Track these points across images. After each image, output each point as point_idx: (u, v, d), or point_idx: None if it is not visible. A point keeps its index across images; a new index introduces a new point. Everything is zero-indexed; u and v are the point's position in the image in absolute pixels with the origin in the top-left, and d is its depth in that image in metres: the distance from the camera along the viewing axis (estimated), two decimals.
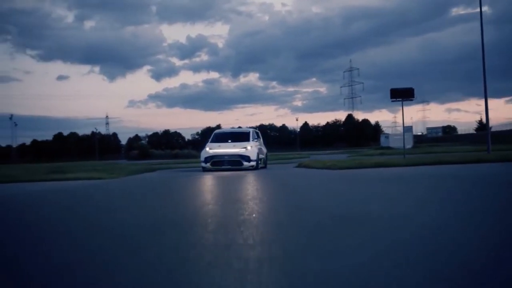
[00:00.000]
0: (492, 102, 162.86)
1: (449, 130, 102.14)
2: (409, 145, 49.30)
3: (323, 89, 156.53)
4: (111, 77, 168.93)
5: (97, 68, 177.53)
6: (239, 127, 25.23)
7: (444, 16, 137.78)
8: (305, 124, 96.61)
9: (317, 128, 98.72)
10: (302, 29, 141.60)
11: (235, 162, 14.18)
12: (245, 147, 14.49)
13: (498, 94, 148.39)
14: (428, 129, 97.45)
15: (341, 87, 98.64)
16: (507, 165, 11.18)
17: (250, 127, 18.50)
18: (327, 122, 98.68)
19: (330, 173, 10.40)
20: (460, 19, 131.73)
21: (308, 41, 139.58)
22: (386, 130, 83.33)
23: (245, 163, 14.09)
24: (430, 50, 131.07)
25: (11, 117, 71.24)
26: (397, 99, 16.23)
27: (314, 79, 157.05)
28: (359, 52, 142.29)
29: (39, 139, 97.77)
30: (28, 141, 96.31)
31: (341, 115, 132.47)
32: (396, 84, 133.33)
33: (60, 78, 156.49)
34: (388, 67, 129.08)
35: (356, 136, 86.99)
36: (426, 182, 7.19)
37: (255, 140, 15.46)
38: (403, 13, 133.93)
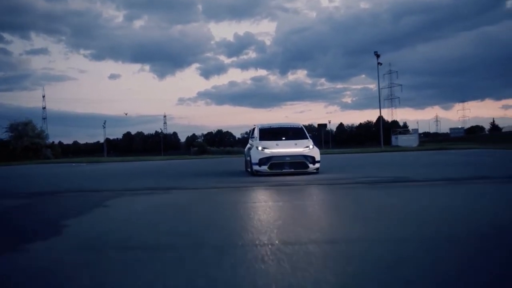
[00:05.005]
0: None
1: (476, 130, 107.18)
2: (414, 144, 59.69)
3: (372, 86, 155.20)
4: (161, 75, 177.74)
5: (147, 67, 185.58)
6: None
7: (499, 9, 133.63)
8: (341, 124, 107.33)
9: (351, 128, 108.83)
10: (350, 25, 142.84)
11: (299, 165, 12.19)
12: (307, 146, 12.51)
13: None
14: (451, 129, 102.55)
15: (381, 88, 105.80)
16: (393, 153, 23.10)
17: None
18: (360, 123, 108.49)
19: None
20: None
21: (357, 37, 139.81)
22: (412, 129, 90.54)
23: (311, 166, 12.17)
24: (484, 44, 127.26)
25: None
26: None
27: (363, 75, 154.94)
28: (409, 48, 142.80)
29: (94, 136, 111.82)
30: (100, 139, 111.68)
31: (385, 113, 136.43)
32: (448, 80, 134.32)
33: (112, 76, 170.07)
34: (441, 63, 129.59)
35: (384, 136, 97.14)
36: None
37: (310, 137, 13.41)
38: (455, 7, 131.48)
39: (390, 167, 15.28)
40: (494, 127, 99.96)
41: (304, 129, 13.84)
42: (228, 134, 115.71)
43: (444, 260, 3.04)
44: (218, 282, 2.68)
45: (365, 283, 2.59)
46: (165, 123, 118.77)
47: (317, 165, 12.35)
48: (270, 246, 3.50)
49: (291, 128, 14.04)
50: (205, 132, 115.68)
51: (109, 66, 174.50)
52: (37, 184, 13.06)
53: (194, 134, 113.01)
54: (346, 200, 6.78)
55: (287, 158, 12.19)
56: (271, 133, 13.44)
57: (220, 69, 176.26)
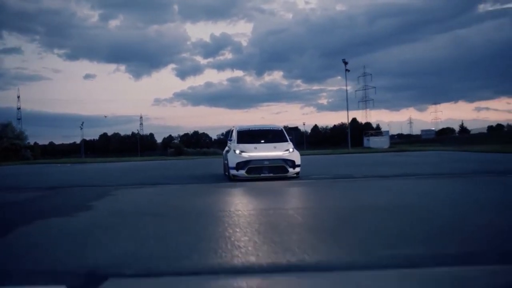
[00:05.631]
0: None
1: (447, 132, 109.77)
2: (385, 145, 62.63)
3: (348, 87, 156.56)
4: (137, 75, 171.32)
5: (122, 67, 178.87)
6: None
7: (471, 13, 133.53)
8: (315, 126, 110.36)
9: (325, 129, 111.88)
10: (326, 27, 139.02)
11: (278, 169, 11.78)
12: (287, 149, 12.10)
13: None
14: (422, 131, 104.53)
15: (355, 91, 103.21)
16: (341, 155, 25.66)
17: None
18: (334, 125, 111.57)
19: None
20: (488, 16, 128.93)
21: (333, 39, 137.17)
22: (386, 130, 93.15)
23: (290, 170, 11.77)
24: (458, 47, 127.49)
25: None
26: None
27: (339, 77, 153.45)
28: (385, 50, 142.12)
29: (69, 137, 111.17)
30: (77, 140, 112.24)
31: (359, 115, 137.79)
32: (422, 82, 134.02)
33: (87, 76, 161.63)
34: (415, 65, 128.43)
35: (357, 137, 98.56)
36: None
37: (291, 139, 13.01)
38: (429, 10, 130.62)
39: (345, 166, 17.70)
40: (463, 129, 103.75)
41: (284, 131, 13.43)
42: (204, 136, 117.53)
43: (358, 217, 5.35)
44: (196, 231, 4.91)
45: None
46: (141, 124, 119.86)
47: (298, 169, 11.97)
48: (231, 212, 5.76)
49: (270, 131, 13.63)
50: (181, 133, 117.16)
51: (84, 66, 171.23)
52: (40, 181, 14.94)
53: (170, 135, 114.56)
54: (291, 188, 9.11)
55: (266, 162, 11.79)
56: (249, 136, 12.95)
57: (196, 70, 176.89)
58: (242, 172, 11.62)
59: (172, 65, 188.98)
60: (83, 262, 3.30)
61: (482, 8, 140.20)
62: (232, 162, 11.92)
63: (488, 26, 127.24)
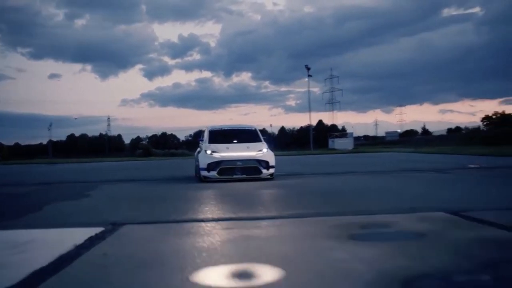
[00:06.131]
0: (485, 103, 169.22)
1: (411, 134, 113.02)
2: (349, 147, 65.53)
3: (316, 89, 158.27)
4: (104, 75, 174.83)
5: (89, 67, 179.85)
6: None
7: (436, 17, 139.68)
8: (282, 128, 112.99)
9: (292, 131, 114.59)
10: (294, 28, 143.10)
11: (252, 170, 11.59)
12: (261, 150, 11.93)
13: (492, 95, 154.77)
14: (387, 133, 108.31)
15: (322, 93, 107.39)
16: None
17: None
18: (301, 126, 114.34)
19: None
20: (452, 20, 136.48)
21: (301, 41, 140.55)
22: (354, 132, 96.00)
23: (264, 171, 11.61)
24: (423, 50, 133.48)
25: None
26: None
27: (307, 79, 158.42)
28: (352, 52, 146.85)
29: (36, 137, 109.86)
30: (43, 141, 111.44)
31: (326, 116, 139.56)
32: (389, 84, 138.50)
33: (52, 76, 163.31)
34: (382, 67, 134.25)
35: (322, 139, 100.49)
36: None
37: (265, 139, 12.81)
38: (396, 13, 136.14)
39: (300, 166, 19.99)
40: (425, 131, 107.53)
41: (258, 131, 13.28)
42: (173, 137, 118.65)
43: (293, 196, 7.49)
44: (173, 206, 6.97)
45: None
46: (108, 124, 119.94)
47: (272, 170, 11.81)
48: (198, 195, 7.84)
49: (244, 130, 13.46)
50: (149, 134, 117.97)
51: (49, 65, 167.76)
52: (29, 178, 16.62)
53: (138, 136, 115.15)
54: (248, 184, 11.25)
55: (239, 163, 11.57)
56: (222, 136, 12.69)
57: (164, 70, 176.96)
58: (214, 173, 11.39)
59: (139, 66, 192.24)
60: (106, 220, 5.30)
61: (446, 12, 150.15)
62: (202, 163, 11.64)
63: (452, 30, 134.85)
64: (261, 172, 11.61)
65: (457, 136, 68.22)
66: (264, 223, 5.04)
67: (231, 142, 12.33)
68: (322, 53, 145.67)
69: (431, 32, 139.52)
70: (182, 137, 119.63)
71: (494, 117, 78.52)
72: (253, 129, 13.52)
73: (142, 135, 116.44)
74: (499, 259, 3.21)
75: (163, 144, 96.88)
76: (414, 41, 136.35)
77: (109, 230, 4.60)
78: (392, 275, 2.80)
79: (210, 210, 6.21)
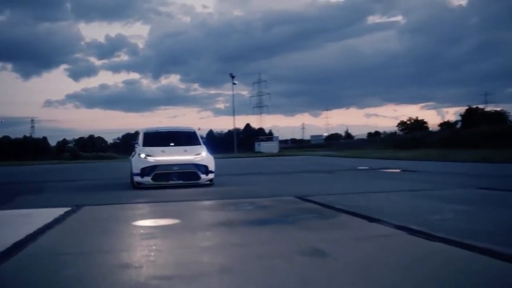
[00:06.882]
0: (408, 108, 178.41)
1: (336, 138, 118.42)
2: (275, 150, 69.20)
3: (245, 92, 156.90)
4: (26, 75, 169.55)
5: (9, 66, 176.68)
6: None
7: (361, 24, 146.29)
8: (210, 131, 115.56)
9: (220, 134, 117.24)
10: (223, 31, 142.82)
11: (189, 175, 10.96)
12: (199, 153, 11.28)
13: (414, 100, 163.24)
14: (312, 136, 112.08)
15: (250, 97, 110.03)
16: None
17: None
18: (229, 130, 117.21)
19: None
20: (376, 27, 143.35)
21: (230, 44, 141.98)
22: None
23: (203, 176, 11.02)
24: (349, 56, 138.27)
25: None
26: None
27: (236, 82, 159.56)
28: (280, 56, 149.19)
29: None
30: None
31: (254, 120, 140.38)
32: (317, 88, 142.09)
33: None
34: (310, 71, 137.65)
35: (250, 142, 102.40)
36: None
37: (204, 142, 12.29)
38: (323, 19, 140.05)
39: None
40: (348, 135, 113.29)
41: (197, 133, 12.71)
42: (100, 139, 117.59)
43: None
44: (115, 195, 9.62)
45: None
46: (32, 126, 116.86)
47: (211, 175, 11.27)
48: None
49: (181, 133, 12.78)
50: (76, 137, 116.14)
51: None
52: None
53: (65, 139, 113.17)
54: None
55: (175, 168, 10.92)
56: (157, 138, 12.01)
57: (91, 71, 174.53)
58: (148, 178, 10.77)
59: (64, 66, 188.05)
60: (70, 204, 7.85)
61: (371, 20, 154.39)
62: (136, 167, 10.98)
63: (377, 37, 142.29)
64: (199, 178, 11.07)
65: (376, 140, 73.61)
66: (176, 203, 7.89)
67: (167, 145, 11.71)
68: (251, 57, 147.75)
69: (357, 38, 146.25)
70: (110, 139, 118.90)
71: (408, 122, 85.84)
72: (191, 131, 12.88)
73: (69, 138, 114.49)
74: (300, 213, 6.26)
75: (90, 147, 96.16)
76: (340, 47, 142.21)
77: (76, 208, 7.24)
78: (238, 220, 5.78)
79: (141, 195, 8.95)
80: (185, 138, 12.32)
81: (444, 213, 5.89)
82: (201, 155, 11.35)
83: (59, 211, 6.82)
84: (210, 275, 3.33)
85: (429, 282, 3.00)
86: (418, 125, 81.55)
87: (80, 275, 3.38)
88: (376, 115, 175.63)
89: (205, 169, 11.18)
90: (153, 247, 4.27)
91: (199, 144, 11.98)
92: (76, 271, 3.48)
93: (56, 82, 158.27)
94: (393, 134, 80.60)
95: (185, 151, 11.39)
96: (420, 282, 3.02)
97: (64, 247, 4.47)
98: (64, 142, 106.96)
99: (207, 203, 8.01)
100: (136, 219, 6.01)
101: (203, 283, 3.14)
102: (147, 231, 5.25)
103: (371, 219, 5.41)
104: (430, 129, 70.93)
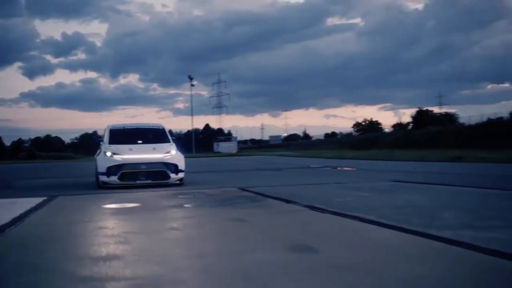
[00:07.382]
0: (366, 109, 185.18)
1: (295, 138, 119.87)
2: (234, 150, 70.57)
3: (205, 92, 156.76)
4: None
5: None
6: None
7: (320, 26, 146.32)
8: (169, 131, 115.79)
9: (179, 134, 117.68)
10: (183, 31, 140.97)
11: (158, 174, 10.60)
12: (169, 152, 10.90)
13: (372, 102, 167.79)
14: (271, 137, 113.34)
15: (210, 97, 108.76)
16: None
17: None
18: (188, 130, 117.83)
19: None
20: (335, 29, 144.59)
21: (190, 44, 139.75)
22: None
23: (172, 176, 10.66)
24: (309, 57, 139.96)
25: None
26: None
27: (195, 82, 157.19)
28: (240, 57, 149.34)
29: None
30: None
31: (214, 120, 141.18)
32: (277, 89, 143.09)
33: None
34: (270, 72, 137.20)
35: (208, 142, 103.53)
36: None
37: (174, 140, 11.83)
38: (283, 20, 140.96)
39: None
40: (306, 135, 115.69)
41: (166, 131, 12.22)
42: (57, 139, 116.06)
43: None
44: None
45: None
46: None
47: (181, 174, 10.94)
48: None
49: (149, 130, 12.42)
50: (32, 136, 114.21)
51: None
52: None
53: (20, 139, 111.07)
54: None
55: (143, 166, 10.56)
56: (124, 135, 11.63)
57: (47, 69, 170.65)
58: (114, 178, 10.40)
59: (18, 63, 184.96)
60: (45, 194, 9.20)
61: (330, 22, 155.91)
62: (101, 166, 10.61)
63: (336, 39, 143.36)
64: (169, 177, 10.77)
65: (333, 140, 76.25)
66: (137, 192, 9.41)
67: (135, 142, 11.35)
68: (211, 57, 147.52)
69: (316, 39, 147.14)
70: (67, 139, 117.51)
71: (363, 123, 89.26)
72: (160, 128, 12.47)
73: (25, 137, 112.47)
74: (237, 198, 7.91)
75: (47, 146, 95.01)
76: (300, 48, 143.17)
77: (51, 198, 8.65)
78: (188, 204, 7.40)
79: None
80: (154, 135, 11.97)
81: (346, 198, 7.71)
82: (171, 153, 11.03)
83: (38, 200, 8.21)
84: (163, 232, 5.03)
85: (307, 234, 4.73)
86: (373, 126, 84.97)
87: (71, 233, 5.01)
88: (335, 116, 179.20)
89: (175, 168, 10.86)
90: (121, 220, 5.85)
91: (169, 141, 11.62)
92: (68, 231, 5.08)
93: (10, 80, 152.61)
94: (349, 135, 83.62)
95: (154, 149, 11.10)
96: (303, 235, 4.74)
97: (54, 220, 6.00)
98: (19, 142, 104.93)
99: (164, 192, 9.53)
100: (105, 203, 7.52)
101: (159, 237, 4.79)
102: (114, 211, 6.79)
103: (288, 201, 7.16)
104: (385, 130, 74.40)
